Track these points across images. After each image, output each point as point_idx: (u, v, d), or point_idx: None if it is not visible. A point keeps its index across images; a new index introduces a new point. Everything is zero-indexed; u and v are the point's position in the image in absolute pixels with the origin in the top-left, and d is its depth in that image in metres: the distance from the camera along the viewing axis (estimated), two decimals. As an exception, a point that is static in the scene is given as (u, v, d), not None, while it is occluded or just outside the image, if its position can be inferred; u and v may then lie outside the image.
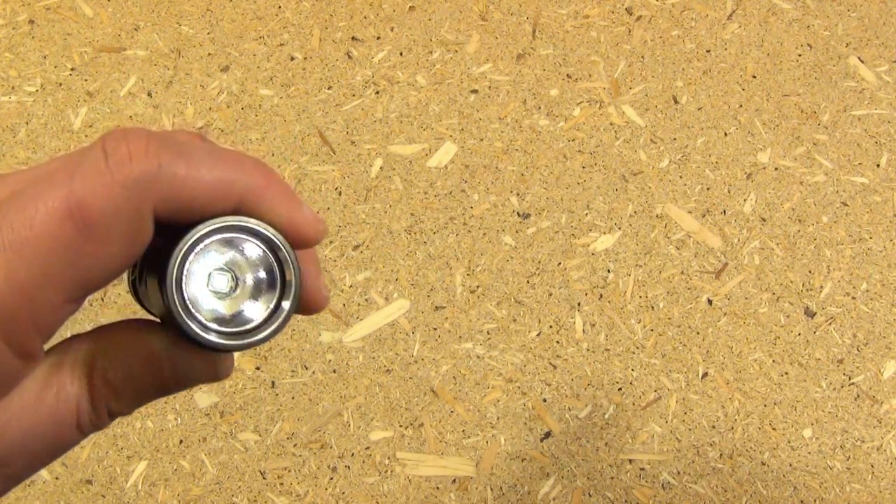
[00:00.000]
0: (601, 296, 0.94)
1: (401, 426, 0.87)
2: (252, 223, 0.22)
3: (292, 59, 1.12)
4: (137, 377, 0.22)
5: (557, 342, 0.92)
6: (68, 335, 0.23)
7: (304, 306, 0.25)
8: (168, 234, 0.21)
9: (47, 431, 0.21)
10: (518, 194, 1.01)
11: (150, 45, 1.12)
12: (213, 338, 0.21)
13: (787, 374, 0.91)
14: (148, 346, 0.22)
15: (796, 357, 0.92)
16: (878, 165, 1.04)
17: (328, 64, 1.11)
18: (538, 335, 0.92)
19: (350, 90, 1.09)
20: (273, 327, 0.22)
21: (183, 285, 0.21)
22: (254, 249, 0.22)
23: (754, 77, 1.11)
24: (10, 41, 1.12)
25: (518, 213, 1.00)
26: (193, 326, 0.21)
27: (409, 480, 0.84)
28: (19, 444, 0.21)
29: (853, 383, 0.90)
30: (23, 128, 1.05)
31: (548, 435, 0.87)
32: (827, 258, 0.98)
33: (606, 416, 0.88)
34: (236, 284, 0.22)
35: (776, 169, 1.04)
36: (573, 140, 1.05)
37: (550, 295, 0.94)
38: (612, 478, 0.85)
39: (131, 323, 0.23)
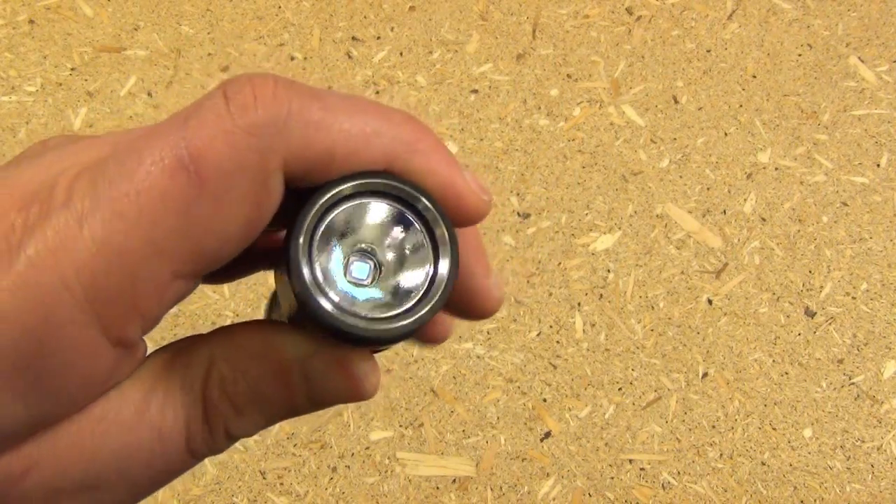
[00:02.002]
0: (601, 296, 0.94)
1: (401, 426, 0.87)
2: (404, 185, 0.17)
3: (292, 59, 1.12)
4: (265, 392, 0.18)
5: (557, 342, 0.92)
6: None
7: (471, 310, 0.20)
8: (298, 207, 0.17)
9: (148, 453, 0.17)
10: (518, 194, 1.01)
11: (150, 45, 1.12)
12: (351, 320, 0.16)
13: (787, 374, 0.91)
14: (279, 352, 0.18)
15: (796, 357, 0.92)
16: (878, 165, 1.04)
17: (328, 64, 1.11)
18: (538, 335, 0.92)
19: (350, 90, 1.09)
20: (410, 321, 0.17)
21: (313, 252, 0.17)
22: (398, 218, 0.18)
23: (754, 77, 1.11)
24: (10, 41, 1.12)
25: (518, 213, 1.00)
26: (327, 305, 0.16)
27: (409, 480, 0.84)
28: (113, 466, 0.17)
29: (853, 383, 0.90)
30: (23, 128, 1.05)
31: (548, 435, 0.87)
32: (827, 258, 0.98)
33: (606, 416, 0.88)
34: (378, 272, 0.18)
35: (776, 169, 1.04)
36: (573, 140, 1.05)
37: (550, 295, 0.94)
38: (612, 478, 0.85)
39: (260, 324, 0.19)
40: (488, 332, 0.92)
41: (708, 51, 1.13)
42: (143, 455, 0.17)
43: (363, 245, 0.18)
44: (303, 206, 0.17)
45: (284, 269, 0.17)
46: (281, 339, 0.18)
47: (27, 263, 0.15)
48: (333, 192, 0.17)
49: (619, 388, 0.89)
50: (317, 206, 0.17)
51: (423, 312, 0.17)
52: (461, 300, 0.20)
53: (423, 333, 0.20)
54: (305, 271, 0.17)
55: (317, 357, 0.18)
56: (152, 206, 0.15)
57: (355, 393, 0.18)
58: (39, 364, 0.15)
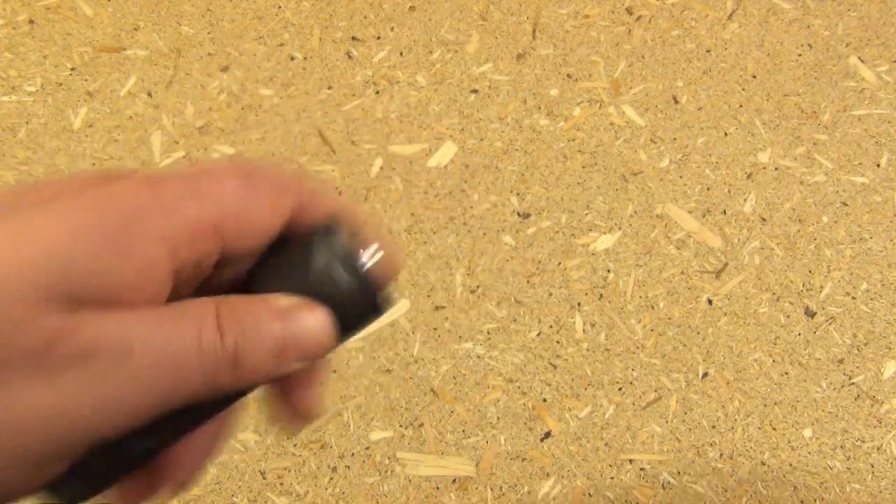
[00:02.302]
0: (601, 296, 0.94)
1: (401, 426, 0.87)
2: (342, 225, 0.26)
3: (292, 59, 1.12)
4: (262, 322, 0.23)
5: (557, 342, 0.92)
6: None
7: (295, 415, 0.26)
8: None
9: (166, 339, 0.20)
10: (518, 194, 1.01)
11: (150, 45, 1.12)
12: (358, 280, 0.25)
13: (787, 374, 0.91)
14: (274, 302, 0.23)
15: (796, 357, 0.92)
16: (878, 165, 1.04)
17: (328, 64, 1.11)
18: (538, 335, 0.92)
19: (350, 90, 1.09)
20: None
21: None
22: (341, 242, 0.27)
23: (754, 77, 1.11)
24: (10, 41, 1.12)
25: (518, 213, 1.00)
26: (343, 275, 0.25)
27: (409, 480, 0.84)
28: (142, 335, 0.20)
29: (853, 383, 0.90)
30: (23, 128, 1.05)
31: (548, 435, 0.87)
32: (827, 258, 0.98)
33: (606, 416, 0.88)
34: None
35: (776, 169, 1.04)
36: (573, 140, 1.05)
37: (550, 295, 0.94)
38: (612, 478, 0.85)
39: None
40: (488, 332, 0.92)
41: (708, 51, 1.13)
42: (164, 333, 0.20)
43: (329, 260, 0.25)
44: (313, 239, 0.25)
45: (306, 261, 0.25)
46: (273, 296, 0.24)
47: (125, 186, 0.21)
48: (324, 235, 0.25)
49: (619, 388, 0.89)
50: (321, 237, 0.25)
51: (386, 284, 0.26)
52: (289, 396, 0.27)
53: (294, 404, 0.26)
54: (327, 253, 0.25)
55: (298, 304, 0.24)
56: (224, 180, 0.22)
57: (321, 333, 0.24)
58: (128, 246, 0.20)
